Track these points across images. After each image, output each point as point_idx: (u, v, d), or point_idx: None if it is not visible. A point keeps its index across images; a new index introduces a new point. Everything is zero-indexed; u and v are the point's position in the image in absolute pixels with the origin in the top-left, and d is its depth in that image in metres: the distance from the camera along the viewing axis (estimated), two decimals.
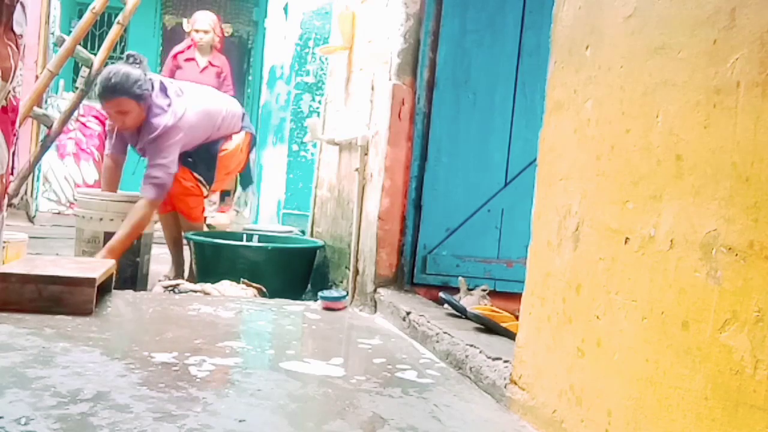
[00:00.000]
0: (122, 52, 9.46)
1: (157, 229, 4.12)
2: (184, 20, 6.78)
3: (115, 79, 3.59)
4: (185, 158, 3.89)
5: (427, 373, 2.18)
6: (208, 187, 4.01)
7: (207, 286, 3.37)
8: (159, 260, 4.24)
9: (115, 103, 3.62)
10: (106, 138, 7.21)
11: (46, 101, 5.28)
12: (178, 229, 4.12)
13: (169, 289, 3.38)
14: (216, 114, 3.95)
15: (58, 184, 6.94)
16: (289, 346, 2.49)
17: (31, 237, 3.65)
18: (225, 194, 6.79)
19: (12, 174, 1.60)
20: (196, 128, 3.82)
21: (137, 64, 3.68)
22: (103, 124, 7.29)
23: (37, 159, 3.80)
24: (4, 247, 2.83)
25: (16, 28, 1.45)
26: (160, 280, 3.78)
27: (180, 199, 3.97)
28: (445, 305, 2.72)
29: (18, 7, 1.45)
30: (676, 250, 1.33)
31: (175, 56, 6.44)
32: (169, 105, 3.74)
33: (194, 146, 3.87)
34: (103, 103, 3.71)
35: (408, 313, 2.69)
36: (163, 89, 3.75)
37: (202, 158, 3.92)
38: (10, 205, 3.45)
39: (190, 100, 3.84)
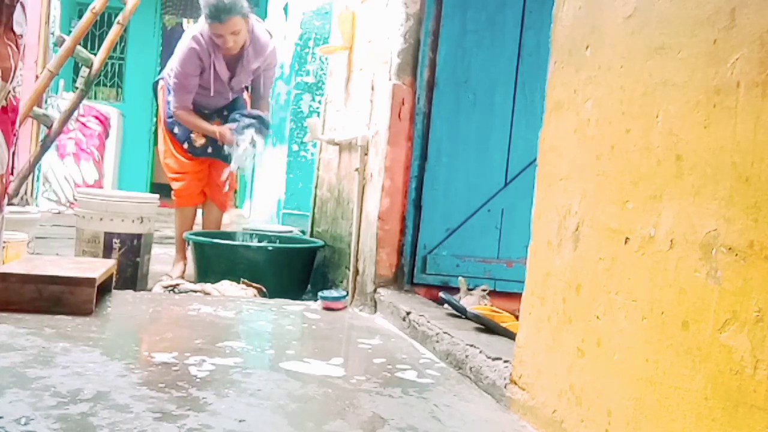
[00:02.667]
0: (122, 52, 9.49)
1: (157, 229, 4.13)
2: (184, 20, 6.77)
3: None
4: (221, 153, 4.02)
5: (427, 373, 2.18)
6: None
7: (207, 286, 3.37)
8: (159, 260, 4.25)
9: (231, 24, 3.65)
10: (105, 135, 7.24)
11: (46, 101, 5.27)
12: (193, 225, 4.18)
13: (169, 289, 3.38)
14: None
15: (58, 184, 6.95)
16: (289, 346, 2.49)
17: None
18: None
19: (12, 174, 1.60)
20: None
21: None
22: (103, 123, 7.29)
23: (37, 159, 3.80)
24: (4, 247, 2.83)
25: (16, 28, 1.45)
26: (160, 280, 3.79)
27: (221, 190, 4.10)
28: (445, 305, 2.72)
29: (18, 7, 1.45)
30: (676, 250, 1.33)
31: None
32: (258, 21, 3.90)
33: None
34: (216, 25, 3.68)
35: (408, 313, 2.69)
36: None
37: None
38: (10, 204, 3.45)
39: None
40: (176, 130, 4.07)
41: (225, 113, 4.08)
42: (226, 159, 4.01)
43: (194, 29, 3.91)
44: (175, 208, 4.28)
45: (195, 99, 4.00)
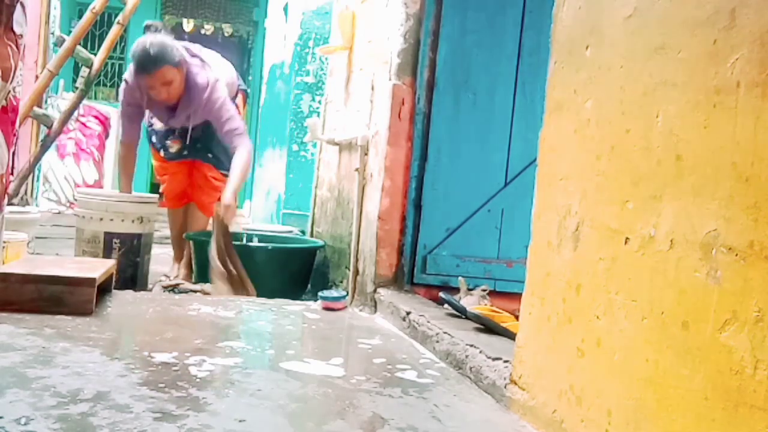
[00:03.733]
0: (122, 52, 9.48)
1: (157, 228, 4.13)
2: (184, 20, 6.77)
3: (154, 49, 3.51)
4: (204, 154, 3.96)
5: (427, 373, 2.18)
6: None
7: (207, 286, 3.37)
8: (159, 260, 4.24)
9: (159, 75, 3.55)
10: (105, 135, 7.24)
11: (46, 101, 5.27)
12: (186, 225, 4.16)
13: (169, 289, 3.38)
14: (231, 80, 4.01)
15: (58, 184, 6.94)
16: (289, 346, 2.49)
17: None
18: None
19: (12, 174, 1.60)
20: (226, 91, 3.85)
21: (159, 31, 3.64)
22: (103, 123, 7.29)
23: (37, 159, 3.80)
24: (4, 247, 2.83)
25: (16, 28, 1.45)
26: (160, 280, 3.79)
27: (205, 191, 4.03)
28: (445, 305, 2.72)
29: (18, 7, 1.45)
30: (676, 250, 1.33)
31: None
32: (202, 62, 3.75)
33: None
34: (144, 77, 3.58)
35: (408, 313, 2.69)
36: (188, 50, 3.77)
37: (222, 150, 3.93)
38: (10, 204, 3.45)
39: (213, 64, 3.88)
40: (153, 138, 4.06)
41: (198, 145, 3.94)
42: (206, 159, 3.96)
43: (128, 72, 3.78)
44: (167, 209, 4.28)
45: (155, 118, 3.96)
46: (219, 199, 3.83)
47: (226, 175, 3.76)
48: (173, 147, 3.99)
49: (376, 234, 3.09)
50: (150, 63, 3.52)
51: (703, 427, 1.22)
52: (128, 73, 3.77)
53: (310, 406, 1.79)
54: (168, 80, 3.57)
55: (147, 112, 3.91)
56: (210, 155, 3.96)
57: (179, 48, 3.65)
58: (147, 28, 3.68)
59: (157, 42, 3.54)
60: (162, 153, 4.03)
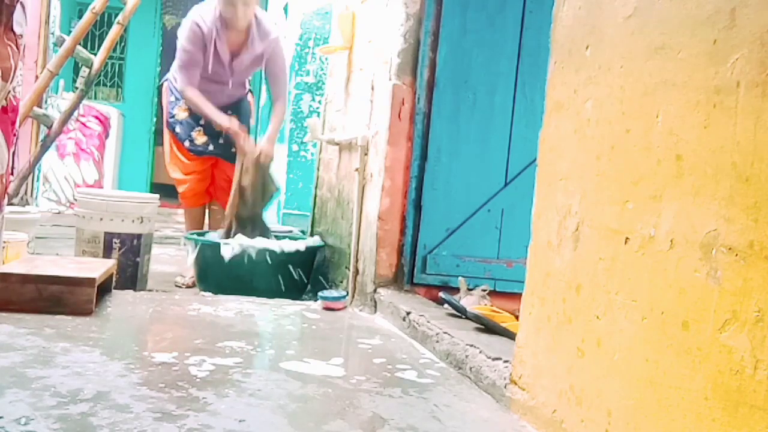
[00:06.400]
0: (122, 52, 9.48)
1: (157, 229, 4.13)
2: (184, 20, 6.76)
3: None
4: (228, 151, 4.00)
5: (427, 373, 2.18)
6: None
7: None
8: (159, 260, 4.24)
9: None
10: (105, 135, 7.24)
11: (46, 101, 5.27)
12: (202, 225, 4.18)
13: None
14: None
15: (58, 184, 6.94)
16: (289, 346, 2.49)
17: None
18: None
19: (12, 174, 1.60)
20: None
21: None
22: (103, 123, 7.29)
23: (37, 159, 3.80)
24: (4, 247, 2.83)
25: (16, 28, 1.45)
26: (175, 282, 3.84)
27: (224, 192, 4.05)
28: (445, 305, 2.72)
29: (18, 7, 1.45)
30: (676, 250, 1.33)
31: None
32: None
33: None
34: None
35: (408, 313, 2.69)
36: None
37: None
38: (10, 204, 3.45)
39: None
40: (177, 129, 4.06)
41: (229, 113, 4.03)
42: (232, 158, 4.00)
43: (193, 11, 3.89)
44: (183, 209, 4.28)
45: (180, 105, 4.01)
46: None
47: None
48: (199, 139, 4.02)
49: (376, 234, 3.09)
50: None
51: (703, 427, 1.22)
52: (198, 17, 3.81)
53: (310, 406, 1.79)
54: (249, 2, 3.72)
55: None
56: (233, 150, 3.97)
57: None
58: None
59: None
60: (187, 144, 4.05)
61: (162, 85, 4.28)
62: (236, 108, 4.08)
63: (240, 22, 3.79)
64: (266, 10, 7.18)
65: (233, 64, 3.93)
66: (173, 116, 4.06)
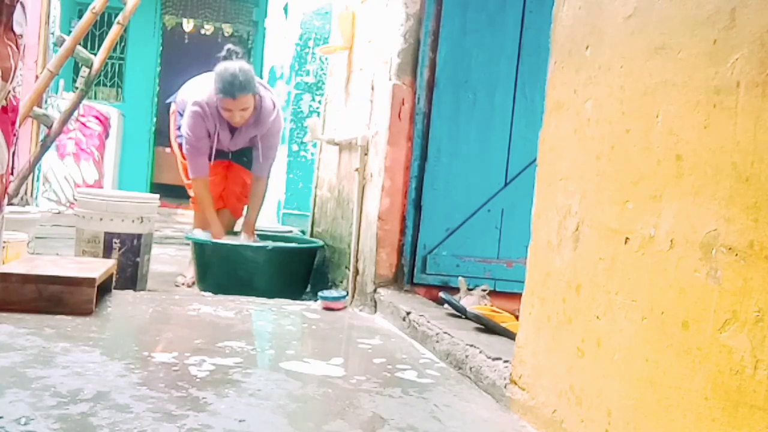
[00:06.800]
0: (122, 52, 9.48)
1: (157, 229, 4.12)
2: (184, 20, 6.76)
3: (243, 77, 3.65)
4: (241, 158, 4.05)
5: (427, 373, 2.18)
6: None
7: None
8: (159, 260, 4.24)
9: (242, 101, 3.68)
10: (105, 135, 7.24)
11: (46, 101, 5.28)
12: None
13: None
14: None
15: (58, 184, 6.94)
16: (289, 346, 2.49)
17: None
18: None
19: (12, 174, 1.60)
20: None
21: (240, 57, 3.79)
22: (103, 123, 7.28)
23: (37, 159, 3.80)
24: (4, 247, 2.83)
25: (16, 28, 1.45)
26: (175, 282, 3.83)
27: (239, 198, 4.12)
28: (445, 305, 2.72)
29: (18, 7, 1.45)
30: (676, 250, 1.33)
31: None
32: (263, 85, 3.93)
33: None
34: (228, 100, 3.68)
35: (408, 313, 2.69)
36: None
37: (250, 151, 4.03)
38: (10, 204, 3.45)
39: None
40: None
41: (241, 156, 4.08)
42: (243, 162, 4.03)
43: (197, 95, 3.84)
44: (194, 211, 4.28)
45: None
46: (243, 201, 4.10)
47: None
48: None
49: (376, 234, 3.09)
50: (237, 89, 3.64)
51: (703, 427, 1.22)
52: (196, 106, 3.79)
53: (310, 406, 1.79)
54: (246, 107, 3.72)
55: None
56: (245, 158, 4.02)
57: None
58: (229, 52, 3.79)
59: (245, 69, 3.69)
60: None
61: (169, 105, 4.26)
62: (242, 151, 4.08)
63: (237, 124, 3.80)
64: (266, 10, 7.19)
65: (229, 145, 3.96)
66: (181, 135, 4.06)
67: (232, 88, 3.62)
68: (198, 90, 3.88)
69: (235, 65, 3.67)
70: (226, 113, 3.74)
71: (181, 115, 4.03)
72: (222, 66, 3.70)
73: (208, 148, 3.86)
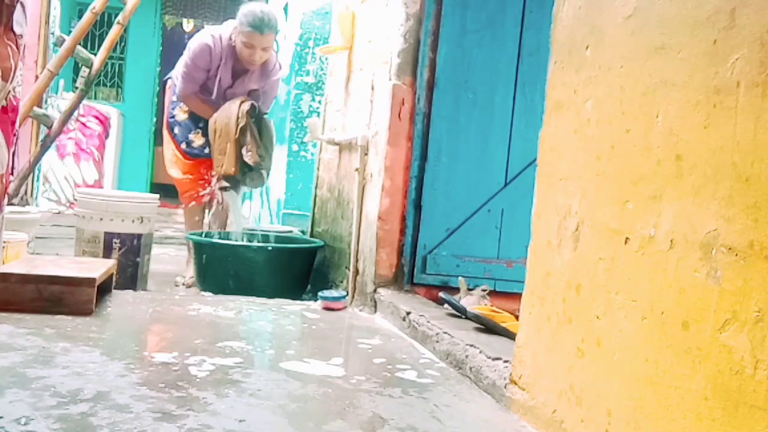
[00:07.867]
0: (122, 52, 9.48)
1: (157, 229, 4.13)
2: (184, 20, 6.76)
3: (271, 15, 3.74)
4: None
5: (427, 373, 2.18)
6: None
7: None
8: (159, 260, 4.24)
9: (267, 38, 3.76)
10: (105, 135, 7.25)
11: (46, 101, 5.27)
12: (202, 225, 4.22)
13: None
14: None
15: (58, 184, 6.94)
16: (289, 346, 2.49)
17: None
18: None
19: (12, 174, 1.60)
20: None
21: None
22: (102, 123, 7.29)
23: (37, 159, 3.80)
24: (4, 247, 2.83)
25: (16, 28, 1.45)
26: (175, 282, 3.83)
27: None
28: (445, 305, 2.72)
29: (18, 7, 1.45)
30: (676, 250, 1.33)
31: None
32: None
33: None
34: (254, 35, 3.73)
35: (408, 313, 2.69)
36: None
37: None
38: (10, 204, 3.45)
39: None
40: (176, 130, 4.09)
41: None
42: None
43: (214, 29, 3.91)
44: (183, 209, 4.29)
45: (180, 107, 4.06)
46: None
47: None
48: (196, 141, 4.06)
49: (376, 234, 3.09)
50: (265, 26, 3.72)
51: (703, 427, 1.22)
52: (209, 37, 3.84)
53: (310, 406, 1.79)
54: (268, 46, 3.79)
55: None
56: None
57: None
58: None
59: (270, 10, 3.79)
60: (184, 147, 4.09)
61: (166, 81, 4.30)
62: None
63: (253, 63, 3.85)
64: None
65: (227, 93, 3.98)
66: (173, 116, 4.09)
67: (262, 24, 3.69)
68: (208, 30, 3.96)
69: (260, 5, 3.75)
70: (247, 51, 3.77)
71: (175, 90, 4.07)
72: (249, 6, 3.76)
73: (200, 81, 3.90)
